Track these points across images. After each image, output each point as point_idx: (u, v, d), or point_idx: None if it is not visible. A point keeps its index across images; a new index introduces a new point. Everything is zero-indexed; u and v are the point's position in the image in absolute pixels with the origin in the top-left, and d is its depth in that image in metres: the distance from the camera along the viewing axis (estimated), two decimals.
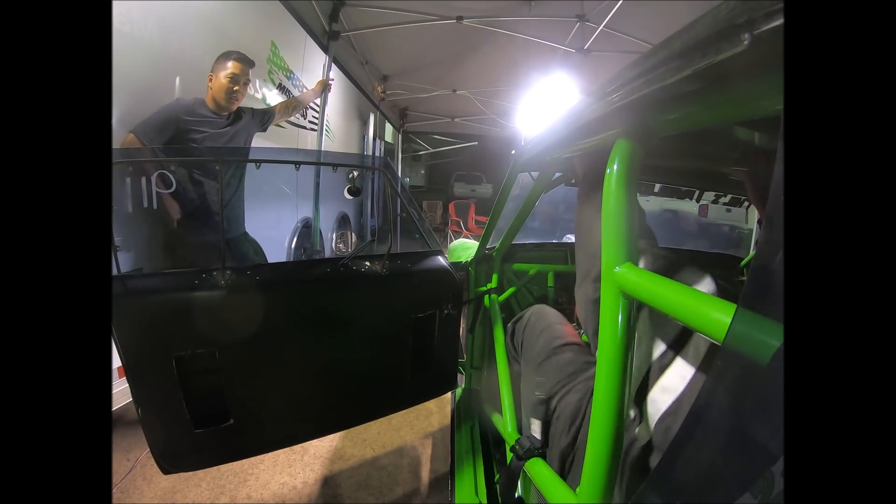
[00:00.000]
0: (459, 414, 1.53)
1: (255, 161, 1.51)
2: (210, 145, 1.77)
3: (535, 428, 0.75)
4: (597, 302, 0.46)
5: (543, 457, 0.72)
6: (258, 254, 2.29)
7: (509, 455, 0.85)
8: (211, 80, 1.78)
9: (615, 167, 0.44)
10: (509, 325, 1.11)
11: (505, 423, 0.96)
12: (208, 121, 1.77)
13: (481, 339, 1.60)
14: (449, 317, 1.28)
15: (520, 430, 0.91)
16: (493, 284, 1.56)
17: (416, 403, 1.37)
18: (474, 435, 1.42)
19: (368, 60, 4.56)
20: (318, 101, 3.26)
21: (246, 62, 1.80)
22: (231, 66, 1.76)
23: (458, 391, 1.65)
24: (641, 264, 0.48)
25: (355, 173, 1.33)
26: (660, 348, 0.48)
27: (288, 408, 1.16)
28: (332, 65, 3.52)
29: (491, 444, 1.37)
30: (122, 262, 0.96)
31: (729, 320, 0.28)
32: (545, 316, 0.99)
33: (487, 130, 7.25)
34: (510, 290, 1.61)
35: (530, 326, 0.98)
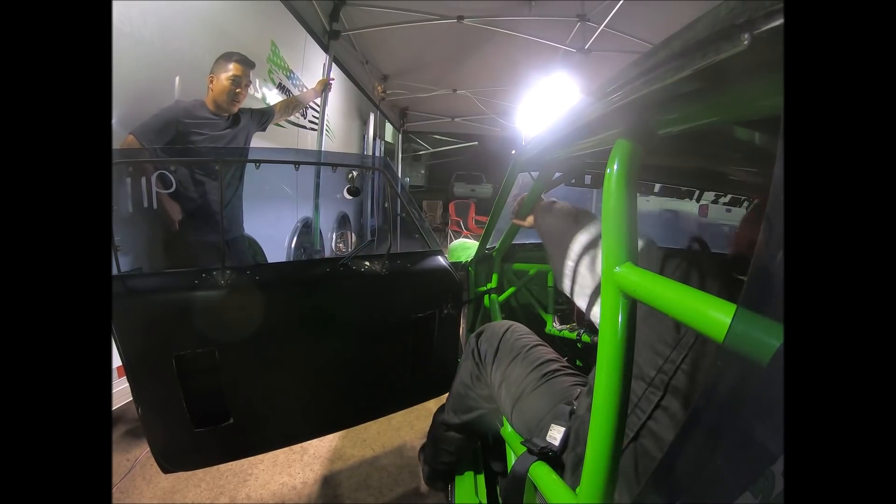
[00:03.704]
0: None
1: (255, 161, 1.51)
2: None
3: (555, 434, 0.75)
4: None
5: (551, 461, 0.71)
6: (258, 254, 2.29)
7: (509, 455, 0.85)
8: (211, 81, 1.78)
9: (615, 167, 0.44)
10: (471, 337, 1.09)
11: (505, 423, 0.96)
12: (209, 123, 1.77)
13: None
14: (449, 317, 1.28)
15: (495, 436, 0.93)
16: (493, 284, 1.56)
17: (416, 403, 1.37)
18: None
19: (369, 60, 4.56)
20: (318, 100, 3.26)
21: (247, 64, 1.80)
22: (232, 68, 1.76)
23: None
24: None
25: (355, 173, 1.34)
26: None
27: (288, 407, 1.16)
28: (333, 64, 3.52)
29: (491, 443, 1.37)
30: (123, 262, 0.96)
31: (729, 320, 0.28)
32: (520, 336, 0.99)
33: (487, 130, 7.24)
34: (510, 290, 1.61)
35: (506, 345, 0.97)
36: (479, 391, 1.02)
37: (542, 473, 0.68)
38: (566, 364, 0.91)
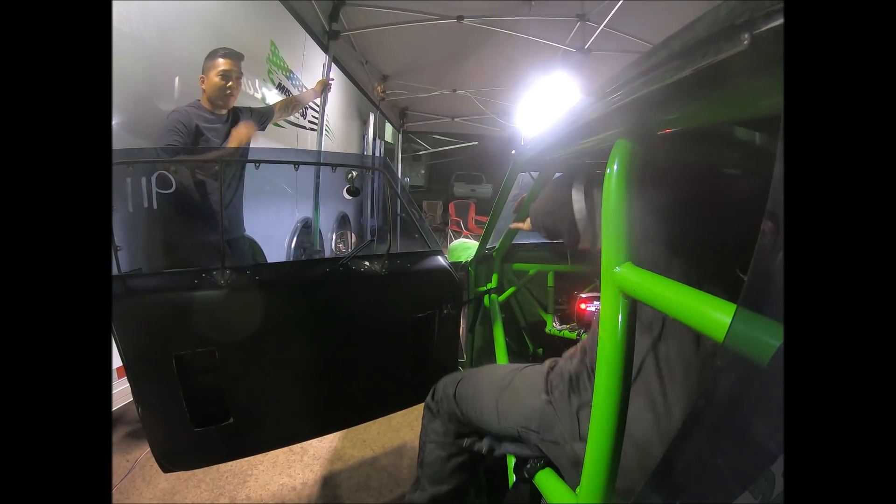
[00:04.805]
0: None
1: (255, 161, 1.51)
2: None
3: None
4: None
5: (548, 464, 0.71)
6: (258, 255, 2.29)
7: (509, 458, 0.84)
8: (203, 81, 1.78)
9: (615, 167, 0.44)
10: (426, 405, 1.03)
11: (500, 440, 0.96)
12: (210, 127, 1.78)
13: (481, 339, 1.60)
14: (449, 317, 1.28)
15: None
16: (493, 284, 1.56)
17: (416, 403, 1.37)
18: None
19: (368, 60, 4.56)
20: (317, 100, 3.26)
21: (235, 56, 1.79)
22: (222, 63, 1.75)
23: None
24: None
25: (354, 173, 1.34)
26: None
27: (288, 407, 1.16)
28: (332, 64, 3.52)
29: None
30: (127, 263, 0.96)
31: (729, 320, 0.28)
32: (472, 371, 0.98)
33: (487, 130, 7.24)
34: (510, 290, 1.61)
35: (464, 384, 0.93)
36: (459, 440, 0.95)
37: (544, 478, 0.68)
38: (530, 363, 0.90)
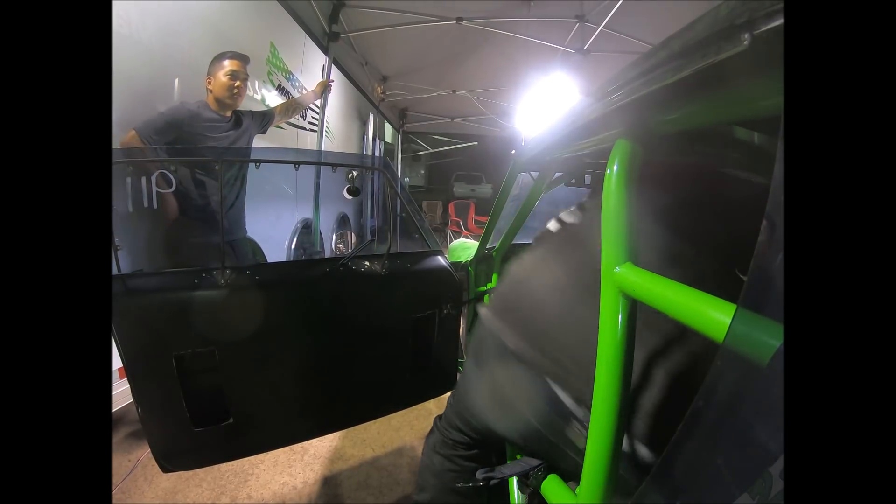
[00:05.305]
0: None
1: (255, 161, 1.51)
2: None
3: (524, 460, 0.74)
4: None
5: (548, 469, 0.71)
6: (258, 255, 2.30)
7: (511, 491, 0.84)
8: (209, 82, 1.79)
9: (615, 167, 0.44)
10: (436, 418, 1.01)
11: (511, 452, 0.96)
12: (214, 126, 1.79)
13: None
14: (449, 317, 1.28)
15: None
16: (493, 284, 1.56)
17: (416, 403, 1.37)
18: None
19: (368, 61, 4.56)
20: (318, 102, 3.26)
21: (242, 58, 1.83)
22: (229, 64, 1.78)
23: None
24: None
25: (354, 173, 1.34)
26: None
27: (288, 407, 1.16)
28: (332, 66, 3.52)
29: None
30: (127, 264, 0.95)
31: (729, 320, 0.28)
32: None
33: (487, 131, 7.24)
34: None
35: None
36: (454, 451, 0.92)
37: (549, 486, 0.68)
38: None
